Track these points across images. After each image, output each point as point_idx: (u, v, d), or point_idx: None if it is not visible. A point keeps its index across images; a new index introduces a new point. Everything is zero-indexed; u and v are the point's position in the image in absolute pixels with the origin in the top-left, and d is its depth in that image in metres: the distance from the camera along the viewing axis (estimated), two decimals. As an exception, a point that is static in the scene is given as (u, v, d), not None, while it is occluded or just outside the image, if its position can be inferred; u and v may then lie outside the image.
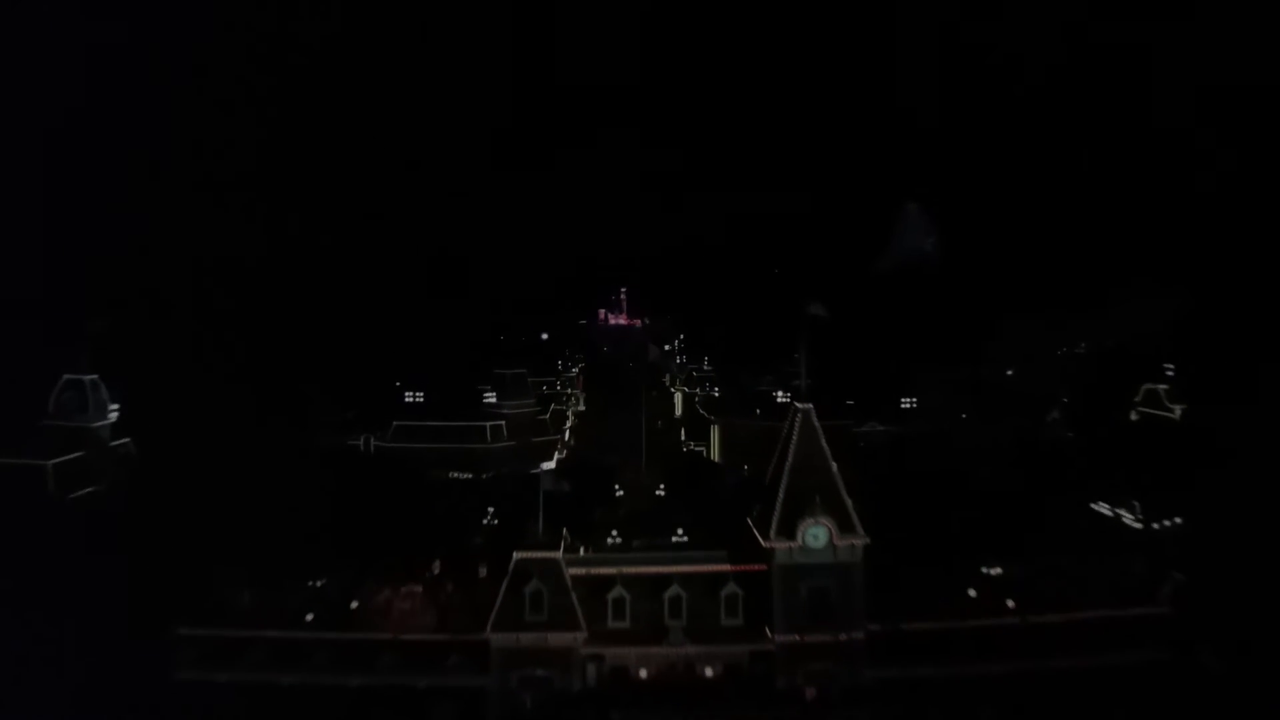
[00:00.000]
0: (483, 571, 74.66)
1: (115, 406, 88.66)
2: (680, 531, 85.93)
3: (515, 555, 52.14)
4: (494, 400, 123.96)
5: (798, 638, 50.81)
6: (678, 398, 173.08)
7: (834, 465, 53.08)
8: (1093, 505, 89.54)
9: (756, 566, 52.60)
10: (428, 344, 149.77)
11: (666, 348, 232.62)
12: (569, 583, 51.76)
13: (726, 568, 53.17)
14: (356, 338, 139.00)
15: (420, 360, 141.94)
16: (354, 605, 64.95)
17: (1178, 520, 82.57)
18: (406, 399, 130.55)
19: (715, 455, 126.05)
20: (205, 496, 73.70)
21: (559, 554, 52.43)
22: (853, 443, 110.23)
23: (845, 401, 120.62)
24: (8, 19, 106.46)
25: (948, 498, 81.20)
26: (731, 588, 52.22)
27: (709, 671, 52.01)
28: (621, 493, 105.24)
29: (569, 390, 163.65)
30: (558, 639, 50.95)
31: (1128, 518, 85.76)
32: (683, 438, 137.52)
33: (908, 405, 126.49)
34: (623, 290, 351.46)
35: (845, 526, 51.71)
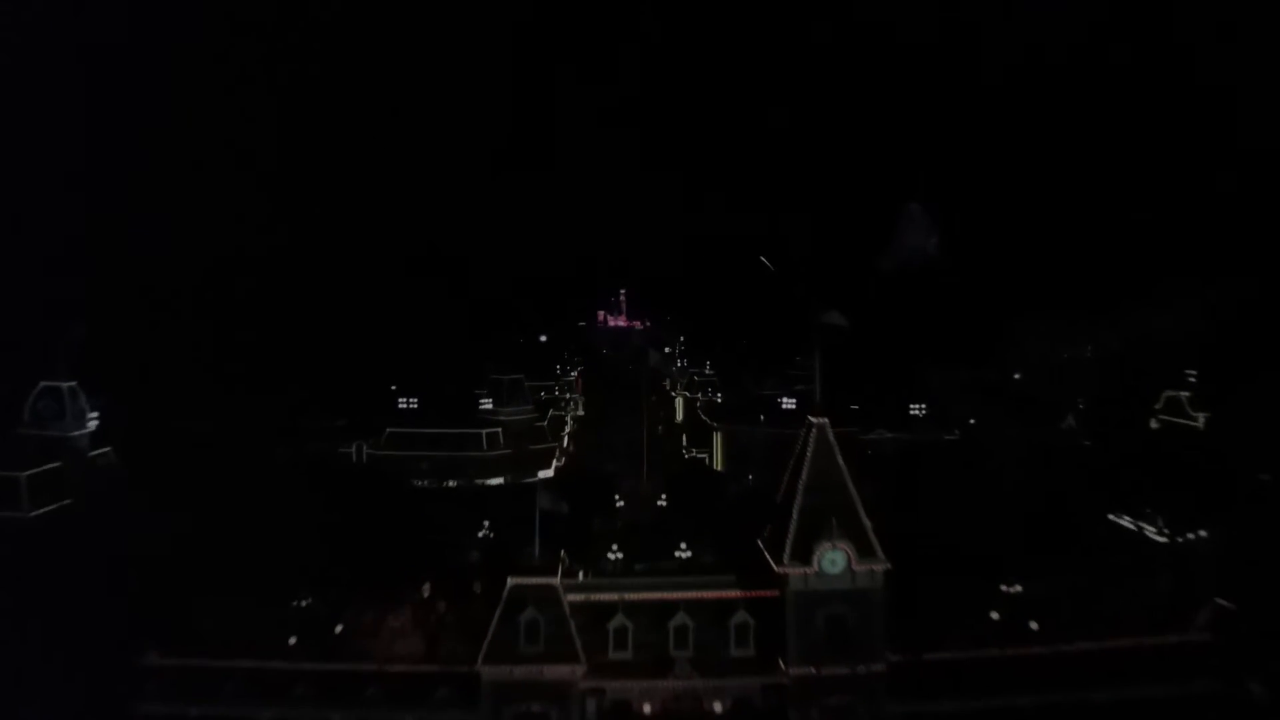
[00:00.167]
0: (477, 588, 71.65)
1: (95, 415, 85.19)
2: (683, 545, 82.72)
3: (509, 581, 48.47)
4: (490, 406, 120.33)
5: (813, 670, 47.29)
6: (678, 402, 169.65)
7: (851, 484, 49.46)
8: (1112, 517, 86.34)
9: (768, 593, 49.06)
10: (422, 348, 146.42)
11: (667, 350, 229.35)
12: (567, 610, 48.16)
13: (736, 594, 49.60)
14: (348, 342, 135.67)
15: (414, 365, 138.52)
16: (339, 629, 61.63)
17: (1203, 533, 79.41)
18: (400, 405, 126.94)
19: (718, 463, 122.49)
20: (185, 510, 70.67)
21: (556, 579, 48.82)
22: (860, 451, 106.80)
23: (850, 407, 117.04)
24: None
25: (964, 511, 77.83)
26: (742, 616, 48.66)
27: (718, 706, 48.53)
28: (621, 503, 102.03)
29: (567, 394, 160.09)
30: (555, 671, 47.35)
31: (1150, 530, 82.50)
32: (684, 445, 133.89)
33: (916, 412, 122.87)
34: (622, 292, 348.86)
35: (864, 550, 48.16)
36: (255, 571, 65.13)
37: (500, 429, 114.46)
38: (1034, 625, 63.25)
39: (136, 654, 51.64)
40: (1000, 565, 70.47)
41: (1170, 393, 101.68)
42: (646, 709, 48.45)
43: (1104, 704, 48.63)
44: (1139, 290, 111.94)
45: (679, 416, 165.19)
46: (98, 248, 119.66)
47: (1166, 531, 78.32)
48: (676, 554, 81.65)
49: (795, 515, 48.67)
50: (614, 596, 49.38)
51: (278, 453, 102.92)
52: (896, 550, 50.09)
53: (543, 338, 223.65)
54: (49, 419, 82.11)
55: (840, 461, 50.00)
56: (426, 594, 64.17)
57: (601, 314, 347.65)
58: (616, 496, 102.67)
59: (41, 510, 72.28)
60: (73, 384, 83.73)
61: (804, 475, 49.77)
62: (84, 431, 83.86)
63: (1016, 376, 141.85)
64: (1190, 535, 79.38)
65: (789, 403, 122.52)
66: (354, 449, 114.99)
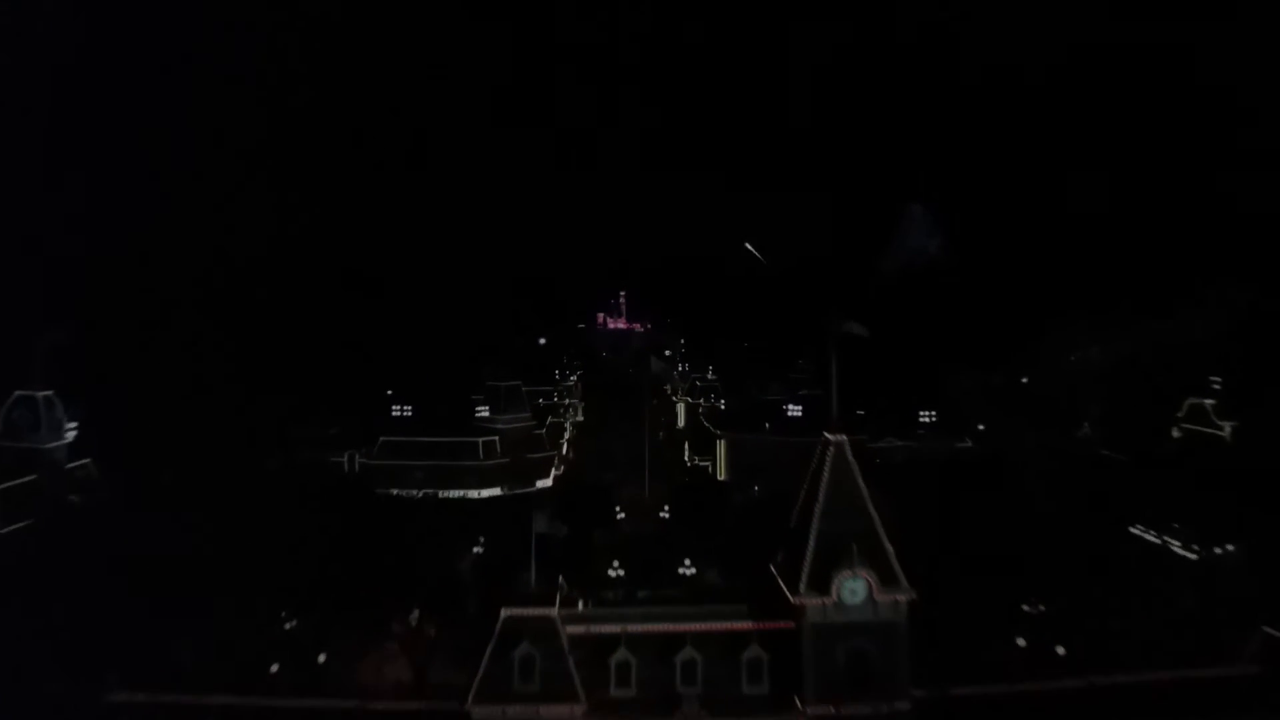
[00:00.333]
0: (471, 605, 68.09)
1: (73, 425, 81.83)
2: (687, 562, 79.32)
3: (503, 613, 44.74)
4: (487, 414, 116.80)
5: (832, 709, 43.58)
6: (680, 408, 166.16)
7: (872, 507, 45.76)
8: (1135, 530, 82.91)
9: (783, 624, 45.30)
10: (417, 353, 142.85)
11: (667, 353, 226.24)
12: (565, 644, 44.41)
13: (748, 625, 45.81)
14: (341, 348, 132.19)
15: (409, 371, 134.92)
16: (322, 658, 58.02)
17: (1230, 548, 75.97)
18: (394, 413, 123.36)
19: (722, 472, 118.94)
20: (168, 524, 67.37)
21: (554, 610, 45.08)
22: (870, 460, 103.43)
23: (855, 412, 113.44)
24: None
25: (981, 526, 74.40)
26: (755, 650, 44.92)
27: (728, 747, 44.67)
28: (622, 515, 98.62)
29: (567, 400, 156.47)
30: (552, 711, 43.62)
31: (1175, 545, 79.01)
32: (686, 454, 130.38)
33: (926, 418, 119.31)
34: (622, 293, 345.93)
35: (887, 578, 44.43)
36: (238, 592, 61.96)
37: (497, 437, 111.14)
38: (1060, 650, 59.77)
39: (103, 689, 47.90)
40: (1021, 583, 67.13)
41: (1194, 400, 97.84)
42: (651, 750, 44.78)
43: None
44: (1160, 292, 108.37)
45: (681, 422, 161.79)
46: (84, 252, 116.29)
47: (1195, 547, 74.74)
48: (681, 571, 78.42)
49: (812, 541, 44.93)
50: (616, 628, 45.62)
51: (267, 462, 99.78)
52: (913, 569, 46.55)
53: (541, 340, 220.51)
54: (24, 430, 78.82)
55: (860, 483, 46.29)
56: (415, 621, 60.37)
57: (601, 316, 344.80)
58: (617, 508, 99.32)
59: (13, 527, 68.91)
60: (49, 393, 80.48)
61: (820, 498, 46.03)
62: (61, 443, 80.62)
63: (1024, 380, 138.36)
64: (1218, 550, 76.01)
65: (795, 410, 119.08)
66: (346, 458, 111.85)
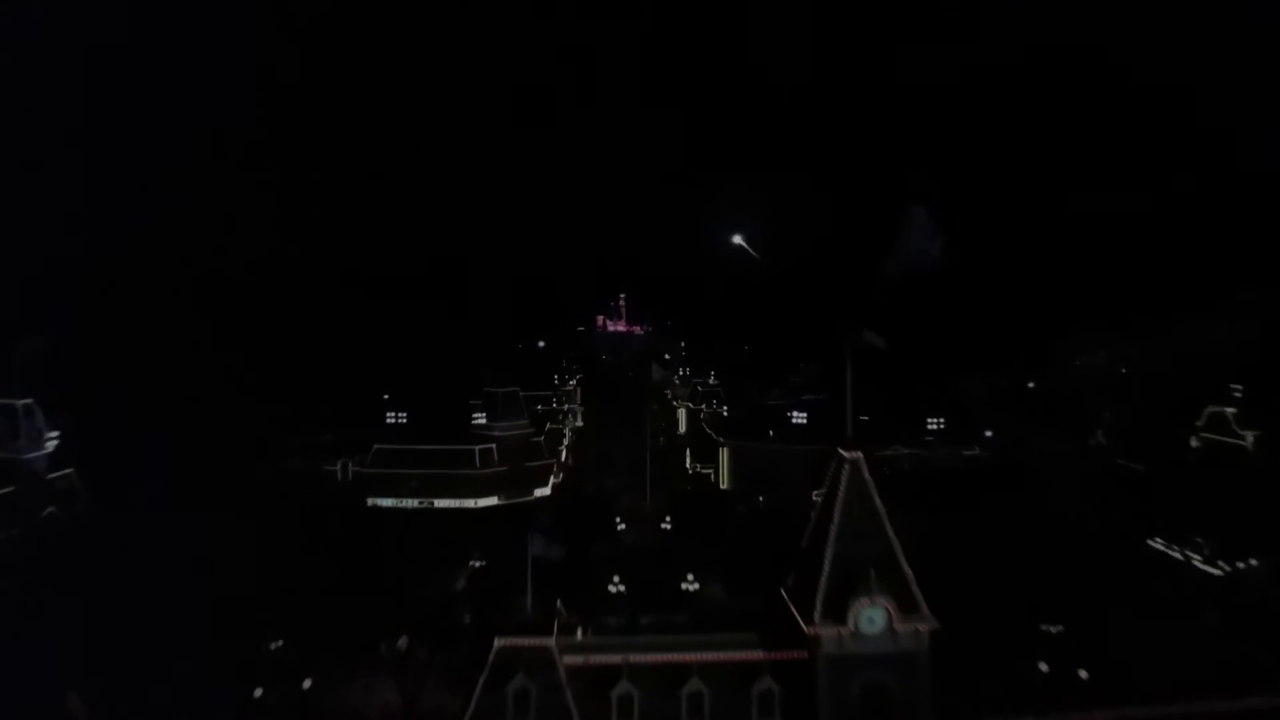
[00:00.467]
0: (466, 619, 65.44)
1: (54, 435, 79.05)
2: (690, 577, 76.57)
3: (496, 642, 41.80)
4: (484, 421, 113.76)
5: (849, 746, 40.66)
6: (681, 414, 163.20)
7: (891, 530, 42.83)
8: (1154, 544, 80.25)
9: (796, 654, 42.34)
10: (413, 358, 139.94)
11: (667, 356, 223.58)
12: (563, 676, 41.43)
13: (759, 655, 42.77)
14: (335, 353, 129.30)
15: (404, 376, 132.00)
16: (307, 684, 55.16)
17: (1254, 562, 73.22)
18: (388, 420, 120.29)
19: (725, 481, 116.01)
20: (153, 536, 64.72)
21: (551, 640, 42.11)
22: (877, 469, 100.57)
23: (860, 418, 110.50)
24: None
25: (995, 540, 71.66)
26: (766, 682, 41.89)
27: (737, 785, 41.78)
28: (623, 526, 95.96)
29: (565, 406, 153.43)
30: (549, 748, 40.72)
31: (1197, 560, 76.28)
32: (688, 460, 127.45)
33: (934, 425, 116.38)
34: (621, 296, 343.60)
35: (907, 606, 41.44)
36: (222, 610, 59.26)
37: (494, 445, 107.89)
38: (1083, 674, 57.01)
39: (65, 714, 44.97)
40: (1039, 601, 64.40)
41: (1214, 408, 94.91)
42: (655, 789, 41.87)
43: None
44: (1180, 297, 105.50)
45: (682, 428, 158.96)
46: (73, 256, 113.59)
47: (1220, 563, 71.97)
48: (684, 586, 75.63)
49: (827, 566, 41.92)
50: (618, 659, 42.59)
51: (258, 471, 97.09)
52: (931, 592, 43.70)
53: (540, 343, 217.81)
54: (2, 440, 76.01)
55: (878, 503, 43.34)
56: (405, 645, 57.51)
57: (600, 319, 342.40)
58: (618, 519, 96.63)
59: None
60: (28, 401, 77.69)
61: (835, 519, 43.04)
62: (41, 453, 77.91)
63: (1031, 385, 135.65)
64: (1241, 564, 73.31)
65: (800, 416, 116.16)
66: (339, 466, 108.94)
